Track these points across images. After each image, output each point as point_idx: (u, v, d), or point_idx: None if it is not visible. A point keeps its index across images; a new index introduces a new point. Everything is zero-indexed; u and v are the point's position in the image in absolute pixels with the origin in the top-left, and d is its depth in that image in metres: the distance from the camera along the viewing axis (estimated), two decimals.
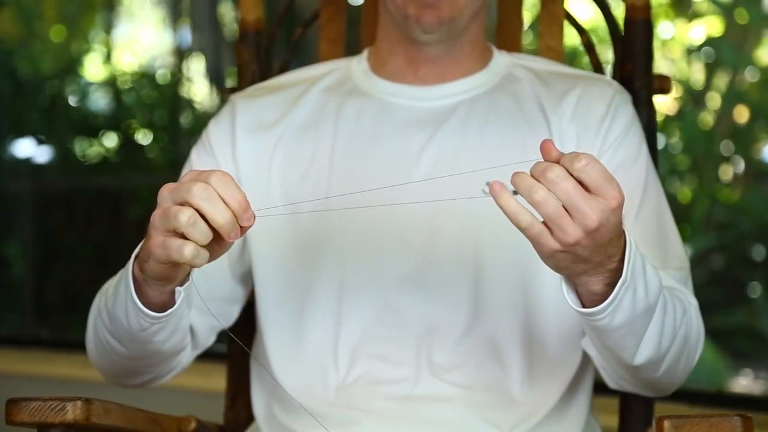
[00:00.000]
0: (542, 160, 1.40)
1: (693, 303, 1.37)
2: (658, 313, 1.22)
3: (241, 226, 1.07)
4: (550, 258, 1.11)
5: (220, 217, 1.06)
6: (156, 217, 1.09)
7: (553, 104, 1.44)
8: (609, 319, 1.17)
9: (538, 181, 1.06)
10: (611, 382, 1.38)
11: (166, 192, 1.09)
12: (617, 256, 1.13)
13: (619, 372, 1.33)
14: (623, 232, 1.13)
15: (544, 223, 1.08)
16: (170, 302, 1.20)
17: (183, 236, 1.07)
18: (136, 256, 1.18)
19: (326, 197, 1.36)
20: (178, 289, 1.18)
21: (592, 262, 1.12)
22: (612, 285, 1.15)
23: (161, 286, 1.17)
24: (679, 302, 1.30)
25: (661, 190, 1.46)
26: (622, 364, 1.28)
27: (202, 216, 1.07)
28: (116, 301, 1.24)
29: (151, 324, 1.22)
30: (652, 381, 1.34)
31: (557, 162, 1.08)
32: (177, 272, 1.14)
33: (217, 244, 1.10)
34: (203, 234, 1.06)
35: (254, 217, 1.08)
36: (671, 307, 1.26)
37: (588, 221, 1.07)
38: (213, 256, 1.12)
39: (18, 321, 4.00)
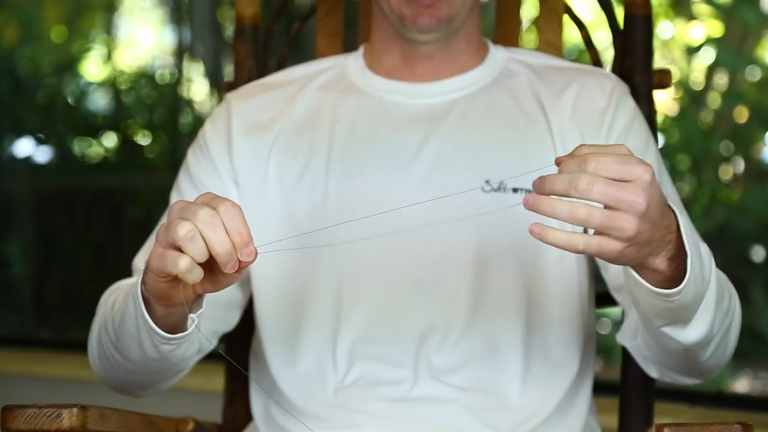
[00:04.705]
0: (539, 157, 1.40)
1: (732, 290, 1.35)
2: (714, 281, 1.21)
3: (241, 261, 1.07)
4: (618, 259, 1.09)
5: (219, 245, 1.06)
6: (162, 229, 1.09)
7: (552, 100, 1.43)
8: (686, 294, 1.16)
9: (568, 195, 1.05)
10: (654, 372, 1.38)
11: (176, 208, 1.10)
12: (673, 225, 1.12)
13: (671, 358, 1.31)
14: (666, 201, 1.12)
15: (596, 232, 1.07)
16: (178, 325, 1.20)
17: (182, 251, 1.07)
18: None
19: (329, 225, 1.34)
20: (191, 316, 1.18)
21: (655, 240, 1.10)
22: (672, 259, 1.13)
23: (163, 306, 1.17)
24: (726, 281, 1.29)
25: (671, 180, 1.46)
26: (676, 345, 1.25)
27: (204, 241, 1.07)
28: (125, 317, 1.24)
29: (161, 343, 1.22)
30: (701, 362, 1.30)
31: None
32: (173, 291, 1.13)
33: (222, 274, 1.11)
34: (199, 251, 1.06)
35: (255, 254, 1.07)
36: (724, 279, 1.26)
37: (637, 206, 1.05)
38: (218, 286, 1.13)
39: (18, 321, 4.00)
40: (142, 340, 1.23)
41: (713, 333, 1.26)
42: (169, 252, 1.08)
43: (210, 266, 1.09)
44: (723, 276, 1.31)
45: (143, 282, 1.16)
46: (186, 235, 1.06)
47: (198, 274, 1.08)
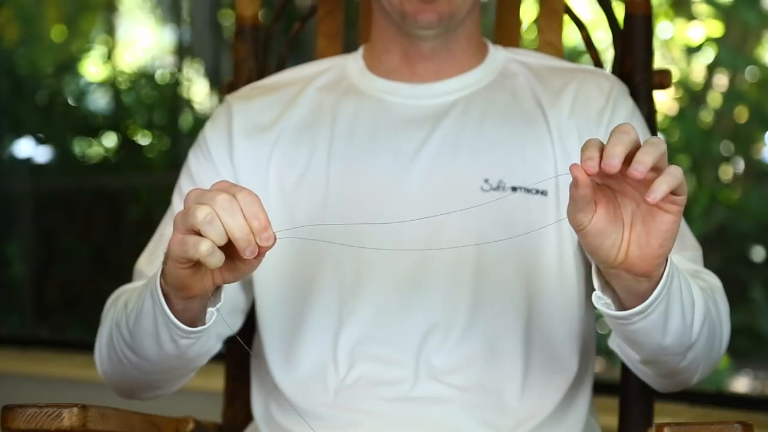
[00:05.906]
0: (538, 156, 1.40)
1: (716, 284, 1.36)
2: (695, 297, 1.22)
3: (260, 246, 1.07)
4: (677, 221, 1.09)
5: (237, 230, 1.06)
6: (178, 216, 1.10)
7: (551, 100, 1.43)
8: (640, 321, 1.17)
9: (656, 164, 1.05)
10: (645, 379, 1.38)
11: (192, 195, 1.10)
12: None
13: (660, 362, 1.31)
14: None
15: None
16: (195, 321, 1.21)
17: (201, 236, 1.08)
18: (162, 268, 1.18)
19: (347, 223, 1.35)
20: (210, 309, 1.18)
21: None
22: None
23: (182, 300, 1.17)
24: (706, 292, 1.28)
25: None
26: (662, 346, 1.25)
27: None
28: (141, 314, 1.24)
29: (181, 337, 1.22)
30: (687, 368, 1.31)
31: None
32: (193, 278, 1.14)
33: (240, 261, 1.11)
34: (219, 234, 1.07)
35: (274, 238, 1.07)
36: (709, 297, 1.26)
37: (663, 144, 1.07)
38: (237, 274, 1.13)
39: (18, 321, 4.00)
40: (160, 336, 1.23)
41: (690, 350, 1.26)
42: (189, 237, 1.08)
43: (229, 253, 1.09)
44: (711, 285, 1.32)
45: (162, 274, 1.17)
46: (205, 219, 1.06)
47: (219, 257, 1.08)
